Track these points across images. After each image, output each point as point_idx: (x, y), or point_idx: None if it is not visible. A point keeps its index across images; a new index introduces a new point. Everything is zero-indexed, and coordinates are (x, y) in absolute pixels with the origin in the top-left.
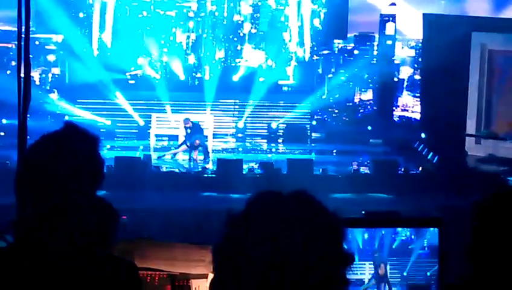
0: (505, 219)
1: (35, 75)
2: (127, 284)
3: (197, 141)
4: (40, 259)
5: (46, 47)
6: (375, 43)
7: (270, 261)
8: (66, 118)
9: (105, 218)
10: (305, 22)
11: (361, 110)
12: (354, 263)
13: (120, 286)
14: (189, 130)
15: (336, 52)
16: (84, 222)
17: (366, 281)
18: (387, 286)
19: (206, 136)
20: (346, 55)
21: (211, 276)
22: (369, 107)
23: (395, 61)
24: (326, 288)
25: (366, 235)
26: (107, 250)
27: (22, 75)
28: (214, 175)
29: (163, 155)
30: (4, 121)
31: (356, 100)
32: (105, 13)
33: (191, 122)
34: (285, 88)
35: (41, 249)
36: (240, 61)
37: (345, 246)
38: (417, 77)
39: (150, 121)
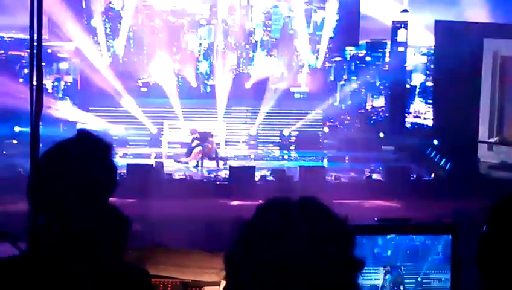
0: None
1: (47, 82)
2: None
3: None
4: (53, 267)
5: (59, 55)
6: (387, 50)
7: (279, 267)
8: (79, 125)
9: (117, 226)
10: (317, 29)
11: (373, 117)
12: (368, 268)
13: None
14: (197, 141)
15: (348, 59)
16: (96, 229)
17: (381, 287)
18: None
19: (218, 144)
20: (358, 62)
21: (223, 283)
22: (381, 114)
23: (407, 68)
24: None
25: (380, 241)
26: (120, 257)
27: (35, 82)
28: (226, 182)
29: (186, 162)
30: (17, 128)
31: (368, 107)
32: (117, 21)
33: (198, 132)
34: (297, 95)
35: (54, 256)
36: (252, 69)
37: (357, 252)
38: (429, 83)
39: (162, 128)
